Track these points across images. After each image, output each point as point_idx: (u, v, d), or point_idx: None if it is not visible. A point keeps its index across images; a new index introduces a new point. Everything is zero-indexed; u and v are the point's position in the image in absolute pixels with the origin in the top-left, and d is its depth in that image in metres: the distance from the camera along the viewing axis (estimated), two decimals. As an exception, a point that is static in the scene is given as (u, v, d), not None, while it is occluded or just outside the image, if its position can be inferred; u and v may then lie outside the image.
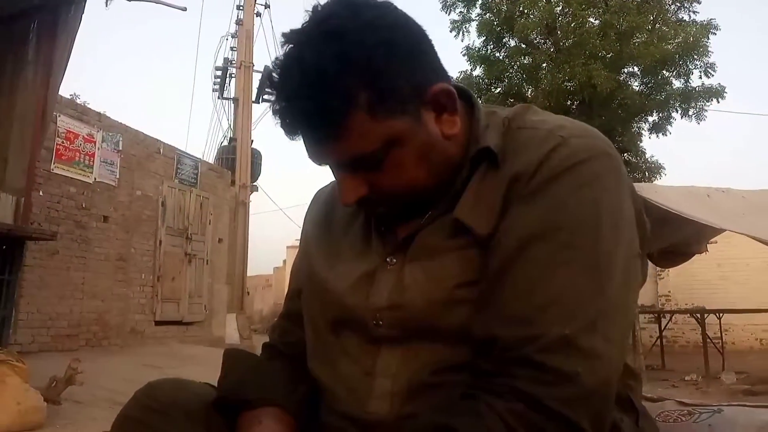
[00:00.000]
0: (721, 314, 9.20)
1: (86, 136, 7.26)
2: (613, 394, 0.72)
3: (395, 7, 0.79)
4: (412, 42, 0.78)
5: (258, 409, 0.84)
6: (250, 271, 13.92)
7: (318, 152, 0.78)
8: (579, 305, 0.70)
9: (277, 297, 20.71)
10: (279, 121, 0.76)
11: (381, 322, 0.81)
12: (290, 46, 0.75)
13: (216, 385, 0.91)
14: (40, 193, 6.43)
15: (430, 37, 0.81)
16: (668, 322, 10.31)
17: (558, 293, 0.70)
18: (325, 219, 0.97)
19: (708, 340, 8.79)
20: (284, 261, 22.94)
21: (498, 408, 0.67)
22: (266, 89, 0.77)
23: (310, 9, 0.76)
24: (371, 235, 0.87)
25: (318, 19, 0.75)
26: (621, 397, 0.81)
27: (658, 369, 9.76)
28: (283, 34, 0.75)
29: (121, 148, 7.80)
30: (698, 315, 8.71)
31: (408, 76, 0.75)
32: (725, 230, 6.38)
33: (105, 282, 7.45)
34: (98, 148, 7.42)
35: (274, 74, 0.75)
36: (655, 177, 12.13)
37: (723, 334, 9.80)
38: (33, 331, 6.40)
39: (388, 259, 0.83)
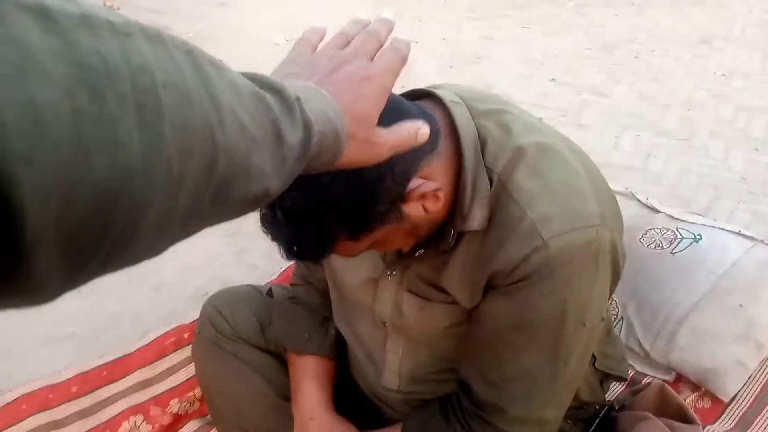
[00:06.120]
0: None
1: None
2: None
3: None
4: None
5: (300, 357, 1.06)
6: None
7: None
8: (536, 387, 0.84)
9: None
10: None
11: (386, 324, 0.95)
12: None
13: None
14: None
15: None
16: None
17: (522, 372, 0.84)
18: None
19: None
20: None
21: None
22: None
23: None
24: None
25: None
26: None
27: None
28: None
29: None
30: None
31: (381, 199, 0.72)
32: None
33: None
34: None
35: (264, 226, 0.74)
36: None
37: None
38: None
39: (388, 272, 0.92)
